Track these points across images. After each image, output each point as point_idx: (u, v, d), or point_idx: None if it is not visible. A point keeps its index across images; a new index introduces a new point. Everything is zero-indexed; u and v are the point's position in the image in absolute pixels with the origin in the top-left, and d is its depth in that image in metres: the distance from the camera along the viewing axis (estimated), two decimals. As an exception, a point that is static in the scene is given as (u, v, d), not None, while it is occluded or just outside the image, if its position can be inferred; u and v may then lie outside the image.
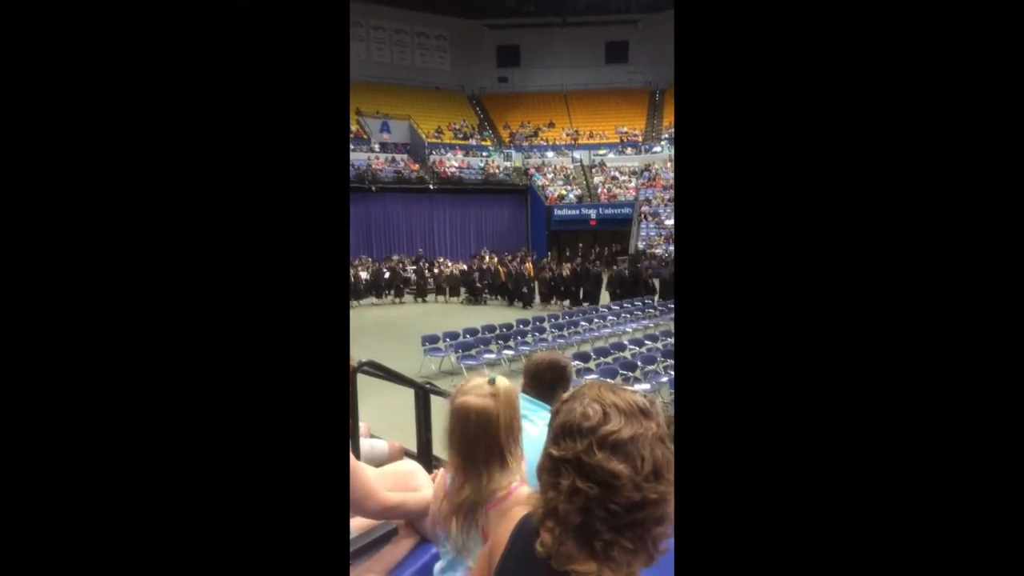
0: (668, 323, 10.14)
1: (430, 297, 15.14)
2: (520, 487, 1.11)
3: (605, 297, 13.41)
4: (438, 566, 1.23)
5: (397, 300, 14.96)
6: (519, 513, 0.87)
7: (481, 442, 1.09)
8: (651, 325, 9.95)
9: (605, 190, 22.50)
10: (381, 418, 3.61)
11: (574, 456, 0.73)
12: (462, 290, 15.00)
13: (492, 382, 1.12)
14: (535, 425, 1.50)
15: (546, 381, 1.74)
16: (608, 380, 0.86)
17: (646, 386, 5.95)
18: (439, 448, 2.46)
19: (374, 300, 14.80)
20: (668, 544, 0.75)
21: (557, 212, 21.71)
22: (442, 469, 1.40)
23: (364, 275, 15.24)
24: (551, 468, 0.76)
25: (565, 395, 0.82)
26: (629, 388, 0.80)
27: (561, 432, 0.76)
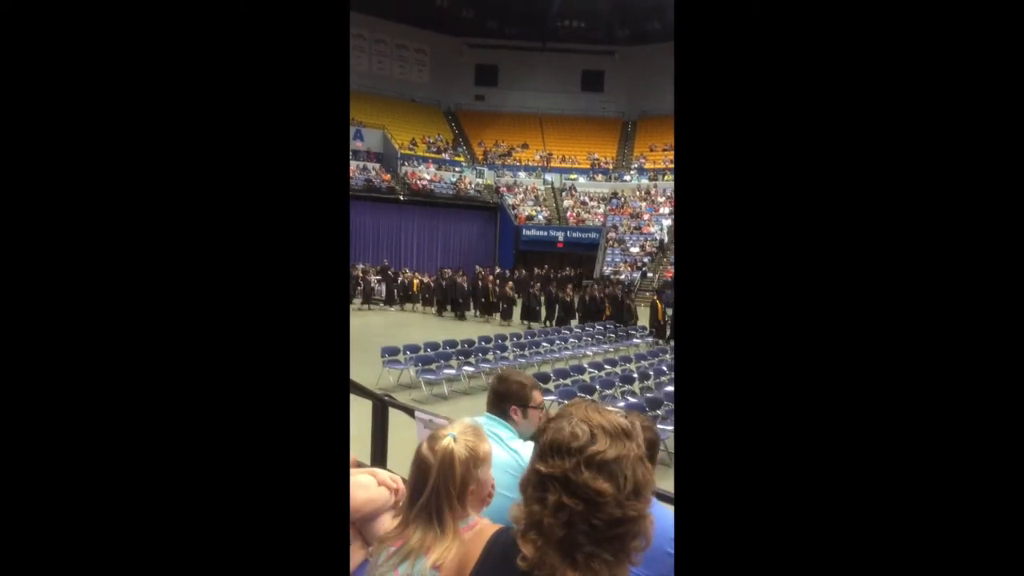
0: (627, 349, 10.29)
1: (395, 307, 15.02)
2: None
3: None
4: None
5: (363, 307, 14.77)
6: (490, 529, 0.89)
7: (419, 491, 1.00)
8: (611, 349, 10.08)
9: (574, 214, 22.80)
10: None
11: (562, 473, 0.76)
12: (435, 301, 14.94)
13: (455, 439, 1.04)
14: (495, 444, 1.52)
15: (499, 394, 1.81)
16: (592, 399, 0.89)
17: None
18: (393, 462, 2.45)
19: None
20: (643, 556, 0.78)
21: (525, 232, 21.87)
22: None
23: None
24: (537, 483, 0.79)
25: (553, 413, 0.85)
26: (612, 409, 0.83)
27: (549, 450, 0.79)
